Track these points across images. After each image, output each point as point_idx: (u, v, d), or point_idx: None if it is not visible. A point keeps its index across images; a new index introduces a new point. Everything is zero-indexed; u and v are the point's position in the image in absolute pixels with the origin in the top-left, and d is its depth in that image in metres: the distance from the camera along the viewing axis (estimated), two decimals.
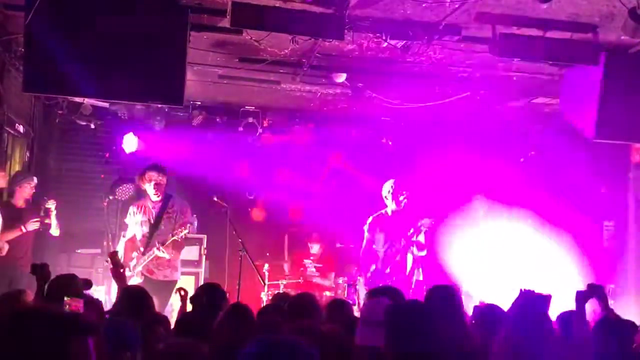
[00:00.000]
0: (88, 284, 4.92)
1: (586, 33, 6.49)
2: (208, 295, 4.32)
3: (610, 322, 4.21)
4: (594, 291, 4.64)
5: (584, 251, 9.29)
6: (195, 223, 9.16)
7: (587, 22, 6.28)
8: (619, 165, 9.90)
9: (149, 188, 7.79)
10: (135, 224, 7.82)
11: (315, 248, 9.88)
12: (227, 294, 4.57)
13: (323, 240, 9.92)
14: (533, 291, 3.64)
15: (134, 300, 4.27)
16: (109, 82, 6.10)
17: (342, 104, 9.71)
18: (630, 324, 4.35)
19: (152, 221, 7.74)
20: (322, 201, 10.54)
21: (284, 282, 9.15)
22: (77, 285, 4.51)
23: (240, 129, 10.10)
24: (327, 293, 9.19)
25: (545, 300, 3.98)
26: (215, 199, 8.28)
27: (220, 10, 6.11)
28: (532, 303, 3.56)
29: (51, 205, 7.92)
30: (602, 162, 9.58)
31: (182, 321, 4.15)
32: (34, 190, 7.95)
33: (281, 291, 9.07)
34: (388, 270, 8.29)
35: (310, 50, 7.27)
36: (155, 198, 7.81)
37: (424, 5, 5.91)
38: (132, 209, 7.93)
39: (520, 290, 3.65)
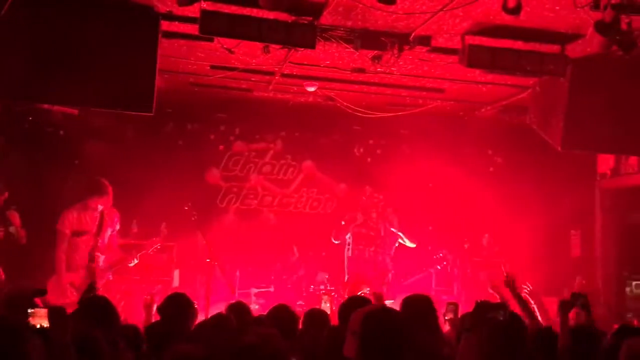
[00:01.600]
0: (41, 292, 4.78)
1: (554, 44, 6.61)
2: (174, 305, 4.28)
3: (584, 331, 4.25)
4: (577, 300, 4.72)
5: (552, 260, 9.41)
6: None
7: (554, 34, 6.39)
8: (586, 174, 10.07)
9: None
10: None
11: (293, 260, 9.86)
12: (196, 304, 4.51)
13: (295, 248, 9.90)
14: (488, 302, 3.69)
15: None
16: (78, 89, 6.03)
17: (314, 112, 9.73)
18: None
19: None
20: (294, 208, 10.56)
21: (255, 290, 9.11)
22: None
23: (212, 136, 10.06)
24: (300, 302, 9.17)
25: (499, 307, 4.04)
26: (186, 208, 8.21)
27: (191, 18, 6.10)
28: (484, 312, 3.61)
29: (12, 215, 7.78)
30: (570, 171, 9.73)
31: (150, 331, 4.10)
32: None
33: (253, 299, 9.08)
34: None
35: (282, 59, 7.29)
36: None
37: (394, 16, 5.97)
38: None
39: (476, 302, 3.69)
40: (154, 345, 3.70)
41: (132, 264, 7.90)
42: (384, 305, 4.52)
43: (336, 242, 8.75)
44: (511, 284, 5.26)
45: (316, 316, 4.61)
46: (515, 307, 4.98)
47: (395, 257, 8.98)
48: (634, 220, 10.13)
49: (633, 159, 9.33)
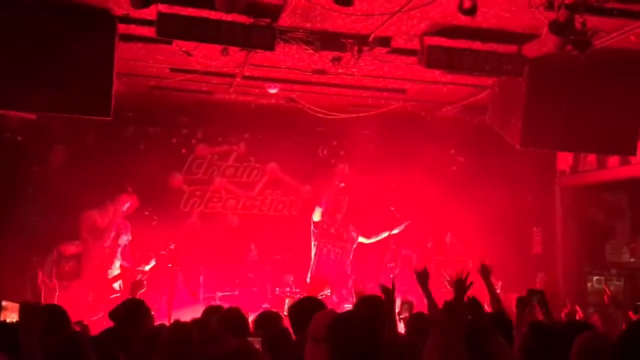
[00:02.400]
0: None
1: (511, 45, 6.70)
2: (128, 310, 4.22)
3: (541, 327, 4.28)
4: (534, 296, 4.75)
5: (514, 257, 9.52)
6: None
7: (511, 34, 6.47)
8: (546, 172, 10.23)
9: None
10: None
11: (252, 258, 9.82)
12: (152, 311, 4.45)
13: (260, 250, 9.87)
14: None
15: None
16: (33, 94, 5.94)
17: (277, 114, 9.70)
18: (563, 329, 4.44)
19: None
20: (259, 211, 10.52)
21: (219, 294, 9.04)
22: None
23: (174, 140, 9.97)
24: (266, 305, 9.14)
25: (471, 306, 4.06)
26: (147, 213, 8.14)
27: (148, 21, 6.03)
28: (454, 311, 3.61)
29: None
30: (530, 169, 9.87)
31: (101, 337, 4.03)
32: None
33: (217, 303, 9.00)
34: None
35: (242, 61, 7.26)
36: None
37: (353, 17, 5.98)
38: None
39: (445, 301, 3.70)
40: (103, 351, 3.63)
41: (147, 267, 8.05)
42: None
43: (317, 215, 8.82)
44: (486, 271, 5.23)
45: (267, 318, 4.59)
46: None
47: (357, 258, 9.12)
48: (594, 217, 10.32)
49: (591, 157, 9.50)
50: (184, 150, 10.16)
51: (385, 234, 9.01)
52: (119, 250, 8.24)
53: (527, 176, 10.13)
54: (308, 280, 8.75)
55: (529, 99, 6.89)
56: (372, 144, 10.67)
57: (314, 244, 8.87)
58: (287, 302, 8.53)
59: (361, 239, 9.10)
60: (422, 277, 4.63)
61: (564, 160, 10.06)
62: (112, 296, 7.98)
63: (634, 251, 9.82)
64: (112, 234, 8.09)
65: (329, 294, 8.56)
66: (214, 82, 8.33)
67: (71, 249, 8.76)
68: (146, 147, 9.89)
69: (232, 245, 9.66)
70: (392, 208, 9.22)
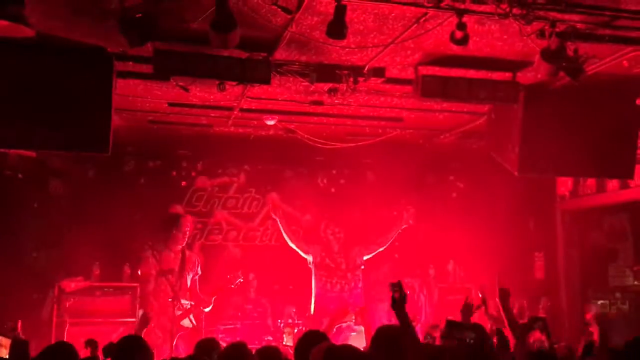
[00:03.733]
0: None
1: (505, 72, 6.75)
2: (122, 347, 4.18)
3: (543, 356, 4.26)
4: (536, 323, 4.73)
5: (517, 282, 9.46)
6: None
7: (505, 62, 6.52)
8: (546, 197, 10.23)
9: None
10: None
11: (253, 291, 9.79)
12: (150, 349, 4.42)
13: (261, 282, 9.84)
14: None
15: None
16: (32, 132, 5.97)
17: (276, 145, 9.75)
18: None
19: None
20: (260, 241, 10.52)
21: (221, 327, 9.00)
22: None
23: (174, 173, 10.02)
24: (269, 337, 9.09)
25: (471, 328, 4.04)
26: (147, 247, 8.15)
27: (145, 58, 6.10)
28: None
29: None
30: (530, 194, 9.87)
31: None
32: None
33: (220, 336, 8.95)
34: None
35: (240, 94, 7.32)
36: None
37: (347, 49, 6.04)
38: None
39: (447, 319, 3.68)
40: None
41: (207, 309, 8.16)
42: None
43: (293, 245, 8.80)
44: (504, 295, 5.12)
45: (268, 353, 4.56)
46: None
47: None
48: (596, 240, 10.30)
49: (591, 181, 9.51)
50: (184, 183, 10.22)
51: (395, 232, 8.84)
52: (188, 285, 8.18)
53: (528, 201, 10.14)
54: (312, 312, 8.68)
55: (524, 125, 6.92)
56: (372, 172, 10.73)
57: (313, 277, 8.76)
58: (287, 332, 8.52)
59: (374, 251, 8.90)
60: (504, 296, 4.55)
61: (564, 184, 10.08)
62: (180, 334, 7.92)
63: (637, 274, 9.79)
64: (177, 270, 8.06)
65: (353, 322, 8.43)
66: (212, 115, 8.38)
67: (72, 285, 8.74)
68: (146, 180, 9.96)
69: (233, 277, 9.62)
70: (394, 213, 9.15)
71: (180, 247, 8.22)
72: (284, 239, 9.51)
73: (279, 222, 8.87)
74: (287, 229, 8.91)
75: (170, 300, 7.65)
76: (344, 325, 8.38)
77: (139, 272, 8.23)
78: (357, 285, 8.70)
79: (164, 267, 7.95)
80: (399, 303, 3.89)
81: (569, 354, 4.79)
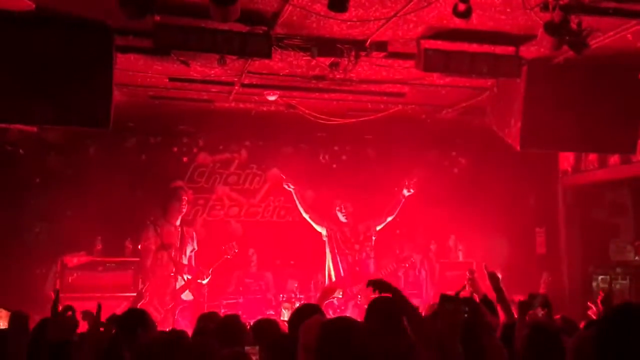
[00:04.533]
0: None
1: (508, 46, 6.69)
2: (128, 319, 4.21)
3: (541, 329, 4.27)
4: (535, 300, 4.76)
5: (518, 257, 9.50)
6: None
7: (508, 36, 6.46)
8: (548, 172, 10.21)
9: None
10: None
11: (254, 266, 9.84)
12: (154, 323, 4.44)
13: (262, 257, 9.89)
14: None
15: None
16: (32, 107, 5.97)
17: (277, 121, 9.72)
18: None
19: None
20: (262, 217, 10.54)
21: (224, 302, 9.06)
22: None
23: (175, 149, 10.01)
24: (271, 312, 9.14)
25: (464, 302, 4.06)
26: (149, 222, 8.18)
27: (145, 32, 6.05)
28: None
29: None
30: (532, 170, 9.85)
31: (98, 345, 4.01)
32: None
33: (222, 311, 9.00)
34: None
35: (241, 69, 7.28)
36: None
37: (349, 23, 5.99)
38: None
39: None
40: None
41: (205, 281, 8.24)
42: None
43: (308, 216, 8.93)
44: (494, 278, 5.23)
45: (264, 326, 4.58)
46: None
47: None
48: (597, 216, 10.30)
49: (593, 156, 9.48)
50: (185, 159, 10.19)
51: (401, 200, 8.90)
52: (185, 260, 8.29)
53: (530, 176, 10.13)
54: (326, 283, 8.76)
55: (527, 100, 6.89)
56: (373, 148, 10.71)
57: (327, 249, 8.85)
58: (285, 307, 8.58)
59: (384, 221, 8.99)
60: (494, 278, 4.70)
61: (566, 160, 10.05)
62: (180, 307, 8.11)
63: (638, 249, 9.80)
64: (178, 245, 8.17)
65: (340, 296, 8.55)
66: (213, 90, 8.35)
67: (75, 260, 8.77)
68: (147, 156, 9.94)
69: (235, 253, 9.67)
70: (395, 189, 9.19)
71: (178, 221, 8.31)
72: (285, 215, 9.59)
73: (293, 194, 8.96)
74: (302, 200, 9.00)
75: (172, 274, 7.72)
76: (335, 301, 8.42)
77: (139, 247, 8.31)
78: (369, 256, 8.80)
79: (165, 241, 8.05)
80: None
81: (566, 325, 4.82)
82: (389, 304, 4.08)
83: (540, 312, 5.11)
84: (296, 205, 9.12)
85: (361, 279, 8.45)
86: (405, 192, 8.84)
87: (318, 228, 8.94)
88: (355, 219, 8.88)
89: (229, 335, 4.10)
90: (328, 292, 8.14)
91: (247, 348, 3.99)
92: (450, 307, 3.98)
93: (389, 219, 9.01)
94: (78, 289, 8.46)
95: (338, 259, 8.72)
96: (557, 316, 5.34)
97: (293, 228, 10.22)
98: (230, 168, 10.47)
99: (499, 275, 5.26)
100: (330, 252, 8.81)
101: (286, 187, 8.96)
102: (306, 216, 8.97)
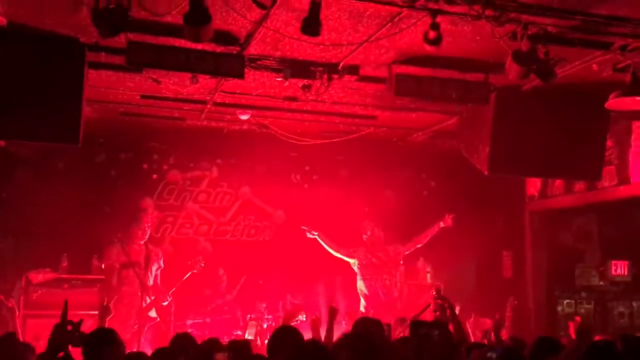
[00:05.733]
0: None
1: (478, 73, 6.82)
2: (89, 339, 4.15)
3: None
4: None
5: (485, 281, 9.60)
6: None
7: (477, 63, 6.59)
8: (515, 197, 10.36)
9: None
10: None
11: (223, 286, 9.77)
12: (123, 343, 4.40)
13: (221, 270, 9.83)
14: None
15: None
16: (2, 121, 5.90)
17: (249, 140, 9.73)
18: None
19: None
20: (231, 236, 10.49)
21: (190, 322, 8.97)
22: None
23: (145, 166, 9.95)
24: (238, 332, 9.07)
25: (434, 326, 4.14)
26: (115, 239, 8.10)
27: (118, 49, 6.05)
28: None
29: None
30: (500, 194, 9.99)
31: None
32: None
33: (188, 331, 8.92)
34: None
35: (213, 87, 7.30)
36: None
37: (321, 47, 6.06)
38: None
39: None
40: None
41: (165, 303, 8.14)
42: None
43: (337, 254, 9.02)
44: (444, 298, 5.41)
45: (237, 347, 4.57)
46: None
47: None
48: (563, 241, 10.46)
49: (559, 182, 9.64)
50: (155, 176, 10.12)
51: (433, 232, 9.09)
52: (151, 279, 8.21)
53: (497, 201, 10.26)
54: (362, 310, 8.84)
55: (495, 126, 7.01)
56: (345, 169, 10.76)
57: (359, 278, 8.98)
58: (250, 326, 8.57)
59: (412, 248, 9.21)
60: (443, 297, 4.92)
61: (533, 185, 10.20)
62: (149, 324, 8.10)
63: (603, 275, 9.96)
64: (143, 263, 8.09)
65: (304, 319, 8.57)
66: (185, 108, 8.34)
67: (40, 276, 8.65)
68: (117, 173, 9.85)
69: (203, 272, 9.60)
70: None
71: (142, 241, 8.26)
72: (255, 234, 9.55)
73: (319, 238, 9.02)
74: (329, 241, 9.08)
75: (138, 293, 7.66)
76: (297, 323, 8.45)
77: (103, 265, 8.21)
78: (397, 281, 9.01)
79: (132, 259, 7.96)
80: None
81: (516, 345, 5.00)
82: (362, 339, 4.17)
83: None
84: (266, 225, 9.12)
85: (388, 303, 8.59)
86: (442, 224, 8.98)
87: (350, 261, 9.07)
88: (384, 242, 9.06)
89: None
90: (292, 315, 8.19)
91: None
92: (422, 331, 4.07)
93: (418, 245, 9.20)
94: (42, 306, 8.34)
95: (372, 284, 8.86)
96: (506, 337, 5.48)
97: (262, 247, 10.21)
98: (200, 186, 10.41)
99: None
100: (363, 278, 8.94)
101: (310, 235, 9.02)
102: (337, 255, 9.10)
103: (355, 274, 9.04)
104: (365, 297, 8.91)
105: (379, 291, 8.81)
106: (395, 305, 8.85)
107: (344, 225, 9.71)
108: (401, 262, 9.15)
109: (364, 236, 9.08)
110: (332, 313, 5.57)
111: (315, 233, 8.98)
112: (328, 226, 9.30)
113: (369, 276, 8.89)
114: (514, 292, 9.94)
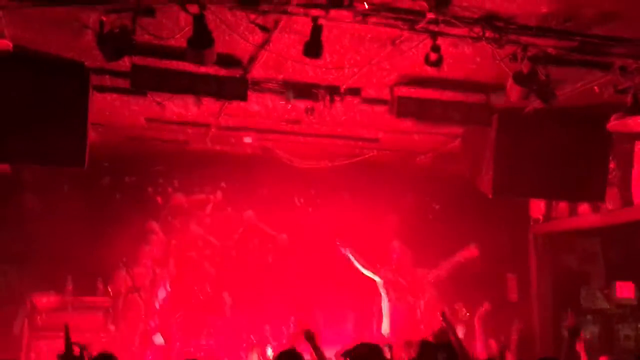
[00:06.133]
0: None
1: (479, 94, 6.85)
2: None
3: None
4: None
5: (490, 304, 9.52)
6: None
7: (479, 85, 6.63)
8: (520, 219, 10.33)
9: None
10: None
11: (228, 309, 9.74)
12: None
13: (226, 294, 9.82)
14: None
15: None
16: (7, 145, 5.96)
17: (254, 163, 9.77)
18: None
19: None
20: (235, 260, 10.48)
21: (196, 345, 8.93)
22: None
23: (150, 189, 9.99)
24: None
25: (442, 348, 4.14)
26: (121, 264, 8.12)
27: (122, 72, 6.12)
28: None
29: None
30: (504, 217, 9.97)
31: None
32: None
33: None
34: None
35: (217, 111, 7.36)
36: None
37: (324, 69, 6.11)
38: None
39: None
40: None
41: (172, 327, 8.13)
42: None
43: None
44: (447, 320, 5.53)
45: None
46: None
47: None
48: (568, 263, 10.41)
49: (563, 204, 9.62)
50: (160, 200, 10.15)
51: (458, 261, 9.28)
52: (157, 303, 8.21)
53: (502, 223, 10.23)
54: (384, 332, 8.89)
55: (497, 148, 7.02)
56: (349, 192, 10.75)
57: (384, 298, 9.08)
58: (254, 352, 8.55)
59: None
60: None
61: (537, 208, 10.18)
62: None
63: (608, 297, 9.89)
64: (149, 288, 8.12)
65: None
66: (189, 131, 8.41)
67: (44, 300, 8.65)
68: (122, 196, 9.89)
69: (208, 295, 9.61)
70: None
71: (149, 262, 8.26)
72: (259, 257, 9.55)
73: (349, 255, 9.17)
74: (358, 257, 9.19)
75: (142, 317, 7.66)
76: None
77: (109, 289, 8.21)
78: (419, 305, 9.11)
79: (137, 284, 7.96)
80: None
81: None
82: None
83: None
84: (270, 249, 9.12)
85: (410, 324, 8.61)
86: (467, 255, 9.26)
87: (377, 279, 9.22)
88: (411, 265, 9.20)
89: None
90: (296, 337, 8.14)
91: None
92: (430, 353, 4.08)
93: (441, 275, 9.37)
94: (47, 329, 8.33)
95: (396, 304, 9.00)
96: None
97: (266, 271, 10.19)
98: (205, 209, 10.43)
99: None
100: (388, 298, 9.07)
101: (344, 251, 9.18)
102: (366, 272, 9.23)
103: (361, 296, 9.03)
104: (390, 317, 8.90)
105: (402, 312, 8.80)
106: (417, 326, 8.82)
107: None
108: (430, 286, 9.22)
109: (393, 256, 9.17)
110: (308, 337, 5.39)
111: (347, 249, 9.01)
112: (332, 249, 9.30)
113: (393, 296, 8.89)
114: (519, 315, 9.88)
